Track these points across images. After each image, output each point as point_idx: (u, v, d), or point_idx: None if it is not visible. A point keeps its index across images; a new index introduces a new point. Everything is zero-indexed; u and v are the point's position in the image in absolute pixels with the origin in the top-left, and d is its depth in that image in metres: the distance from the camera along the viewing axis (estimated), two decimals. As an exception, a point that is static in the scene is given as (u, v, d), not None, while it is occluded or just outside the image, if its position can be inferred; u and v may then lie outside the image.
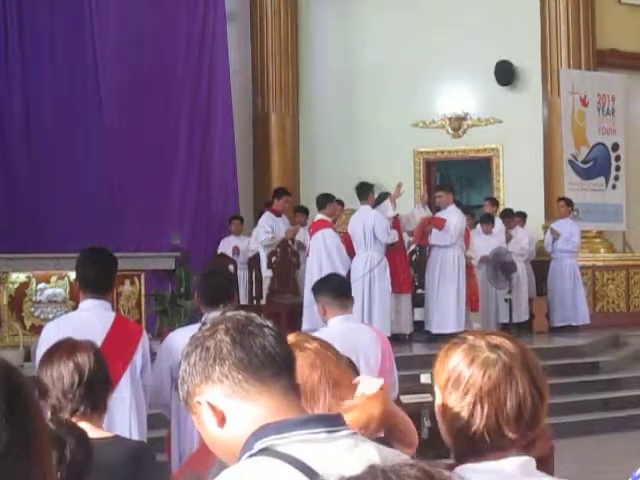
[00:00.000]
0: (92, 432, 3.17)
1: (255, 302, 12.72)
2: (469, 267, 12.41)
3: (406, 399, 6.96)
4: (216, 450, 1.89)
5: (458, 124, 15.75)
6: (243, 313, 1.91)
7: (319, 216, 11.74)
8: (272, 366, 1.83)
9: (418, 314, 12.56)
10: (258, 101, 15.85)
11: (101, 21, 13.60)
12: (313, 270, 11.20)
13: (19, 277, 10.24)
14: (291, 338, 2.35)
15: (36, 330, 9.10)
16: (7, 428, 1.28)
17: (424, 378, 7.71)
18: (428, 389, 7.18)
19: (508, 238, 13.69)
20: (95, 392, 3.19)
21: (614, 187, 15.03)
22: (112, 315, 5.04)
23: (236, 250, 13.42)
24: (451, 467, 1.92)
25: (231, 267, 11.36)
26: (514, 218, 13.98)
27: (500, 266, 13.03)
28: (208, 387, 1.83)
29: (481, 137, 15.59)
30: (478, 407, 1.93)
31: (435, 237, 12.12)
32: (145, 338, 5.06)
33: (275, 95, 15.77)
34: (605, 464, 8.56)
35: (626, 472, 2.32)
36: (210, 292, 5.08)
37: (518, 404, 1.92)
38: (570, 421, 9.52)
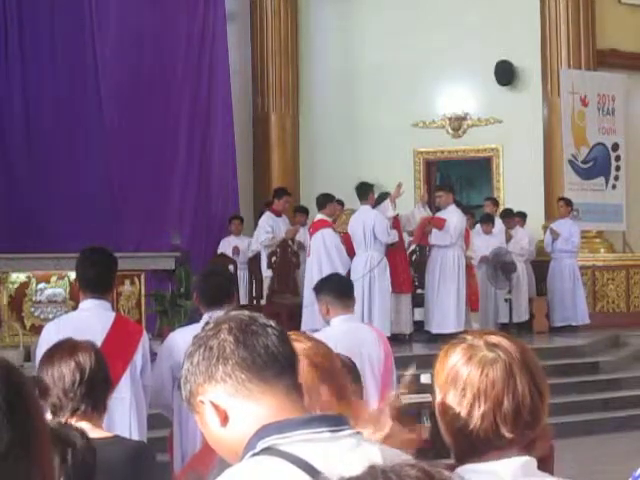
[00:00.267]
0: (92, 432, 3.17)
1: (255, 302, 12.72)
2: (469, 267, 12.40)
3: (406, 399, 6.96)
4: (219, 449, 1.89)
5: (458, 124, 15.75)
6: (246, 313, 1.91)
7: (319, 216, 11.74)
8: (275, 366, 1.83)
9: (418, 314, 12.56)
10: (258, 101, 15.85)
11: (101, 21, 13.59)
12: (313, 270, 11.20)
13: (19, 277, 10.24)
14: None
15: (36, 330, 9.10)
16: (8, 428, 1.28)
17: (424, 378, 7.69)
18: (428, 389, 7.18)
19: (508, 238, 13.69)
20: (95, 391, 3.19)
21: (614, 187, 15.03)
22: (112, 315, 5.04)
23: (236, 250, 13.42)
24: (451, 467, 1.92)
25: (231, 267, 11.36)
26: (514, 218, 13.98)
27: (500, 266, 13.03)
28: (211, 386, 1.83)
29: (481, 137, 15.59)
30: (476, 406, 1.93)
31: (435, 237, 12.12)
32: (145, 338, 5.06)
33: (275, 95, 15.76)
34: (605, 464, 8.56)
35: (626, 472, 2.32)
36: (210, 292, 5.07)
37: (517, 403, 1.92)
38: (570, 421, 9.52)
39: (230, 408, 1.82)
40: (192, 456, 4.66)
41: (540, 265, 14.03)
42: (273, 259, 12.40)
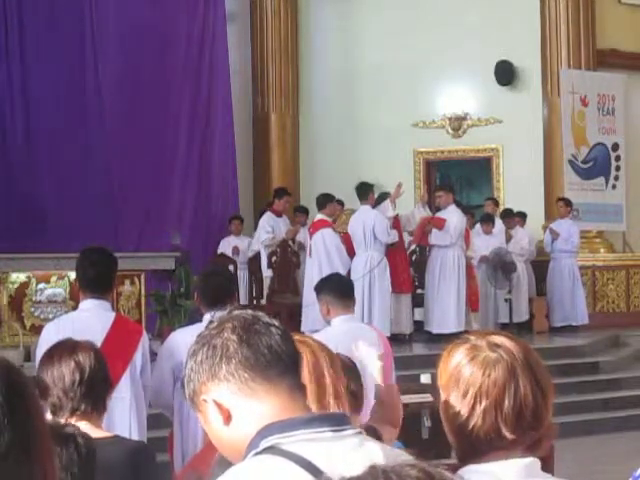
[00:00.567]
0: (92, 432, 3.17)
1: (255, 302, 12.72)
2: (469, 267, 12.40)
3: (406, 399, 6.96)
4: (222, 448, 1.89)
5: (458, 124, 15.75)
6: (250, 312, 1.91)
7: (319, 216, 11.73)
8: (278, 365, 1.83)
9: (418, 314, 12.55)
10: (258, 101, 15.85)
11: (101, 21, 13.59)
12: (313, 270, 11.19)
13: (19, 277, 10.24)
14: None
15: (36, 330, 9.10)
16: (8, 428, 1.28)
17: (424, 378, 7.71)
18: (428, 389, 7.18)
19: (508, 238, 13.69)
20: (95, 391, 3.19)
21: (614, 187, 15.03)
22: (112, 315, 5.04)
23: (236, 250, 13.42)
24: (453, 467, 1.92)
25: (231, 267, 11.36)
26: (514, 218, 13.98)
27: (500, 266, 13.03)
28: (214, 385, 1.83)
29: (481, 137, 15.59)
30: (478, 406, 1.93)
31: (435, 237, 12.12)
32: (145, 338, 5.06)
33: (275, 95, 15.76)
34: (605, 464, 8.56)
35: (626, 472, 2.32)
36: (210, 292, 5.07)
37: (519, 403, 1.92)
38: (570, 421, 9.51)
39: (233, 407, 1.82)
40: (193, 456, 4.66)
41: (540, 265, 14.03)
42: (273, 259, 12.40)
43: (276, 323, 1.89)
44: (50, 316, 9.59)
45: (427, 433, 7.13)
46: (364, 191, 11.74)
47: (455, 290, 11.97)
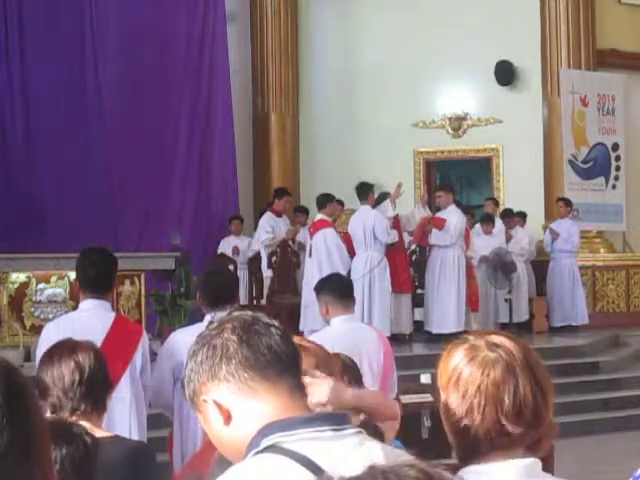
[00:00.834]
0: (92, 431, 3.17)
1: (255, 302, 12.72)
2: (469, 267, 12.40)
3: (406, 399, 6.96)
4: (222, 448, 1.90)
5: (458, 124, 15.75)
6: (250, 312, 1.92)
7: (319, 216, 11.73)
8: (278, 365, 1.84)
9: (418, 314, 12.55)
10: (258, 101, 15.85)
11: (101, 21, 13.59)
12: (313, 270, 11.18)
13: (19, 277, 10.23)
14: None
15: (36, 330, 9.10)
16: (7, 428, 1.28)
17: (424, 378, 7.71)
18: (428, 389, 7.18)
19: (508, 238, 13.69)
20: (95, 391, 3.19)
21: (614, 187, 15.03)
22: (112, 315, 5.04)
23: (236, 250, 13.42)
24: (453, 467, 1.92)
25: (231, 267, 11.36)
26: (514, 218, 13.98)
27: (500, 266, 13.03)
28: (214, 385, 1.84)
29: (481, 137, 15.59)
30: (477, 405, 1.93)
31: (435, 237, 12.12)
32: (145, 338, 5.06)
33: (275, 95, 15.76)
34: (605, 464, 8.56)
35: (626, 472, 2.32)
36: (212, 292, 5.08)
37: (518, 403, 1.92)
38: (570, 421, 9.51)
39: (233, 407, 1.83)
40: (192, 456, 4.66)
41: (540, 265, 14.03)
42: (273, 259, 12.40)
43: (276, 323, 1.90)
44: (50, 316, 9.59)
45: (427, 433, 7.13)
46: (364, 191, 11.74)
47: (455, 290, 11.97)
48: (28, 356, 8.86)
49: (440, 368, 2.02)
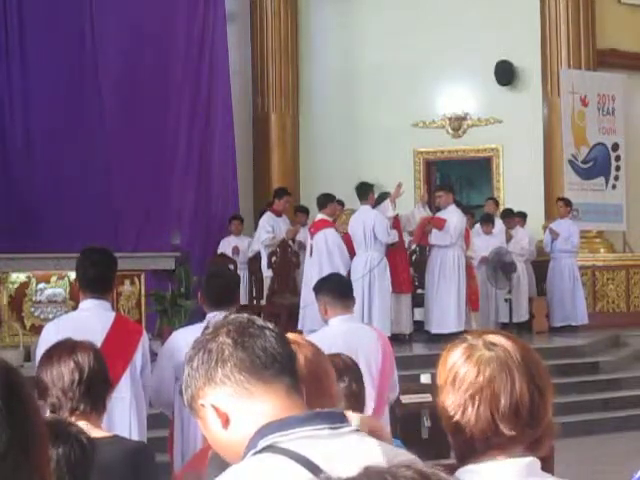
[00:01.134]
0: (91, 431, 3.17)
1: (255, 302, 12.72)
2: (469, 267, 12.40)
3: (406, 399, 6.97)
4: (222, 452, 1.90)
5: (458, 124, 15.75)
6: (245, 315, 1.93)
7: (320, 216, 11.72)
8: (274, 366, 1.84)
9: (418, 314, 12.55)
10: (258, 101, 15.84)
11: (101, 21, 13.59)
12: (313, 270, 11.18)
13: (19, 277, 10.24)
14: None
15: (36, 330, 9.10)
16: (6, 429, 1.28)
17: (424, 378, 7.71)
18: (428, 389, 7.18)
19: (508, 238, 13.69)
20: (94, 391, 3.19)
21: (614, 187, 15.03)
22: (112, 315, 5.04)
23: (236, 250, 13.42)
24: (452, 467, 1.92)
25: (231, 267, 11.36)
26: (514, 218, 13.98)
27: (500, 266, 13.03)
28: (211, 389, 1.85)
29: (481, 137, 15.59)
30: (472, 404, 1.93)
31: (435, 237, 12.12)
32: (145, 338, 5.06)
33: (275, 95, 15.76)
34: (605, 464, 8.56)
35: (626, 472, 2.33)
36: (214, 293, 5.09)
37: (514, 402, 1.92)
38: (570, 421, 9.51)
39: (231, 410, 1.83)
40: (193, 456, 4.66)
41: (540, 265, 14.04)
42: (273, 259, 12.40)
43: (270, 326, 1.90)
44: (50, 316, 9.59)
45: (427, 433, 7.14)
46: (364, 191, 11.74)
47: (455, 290, 11.97)
48: (28, 356, 8.86)
49: (439, 367, 2.03)
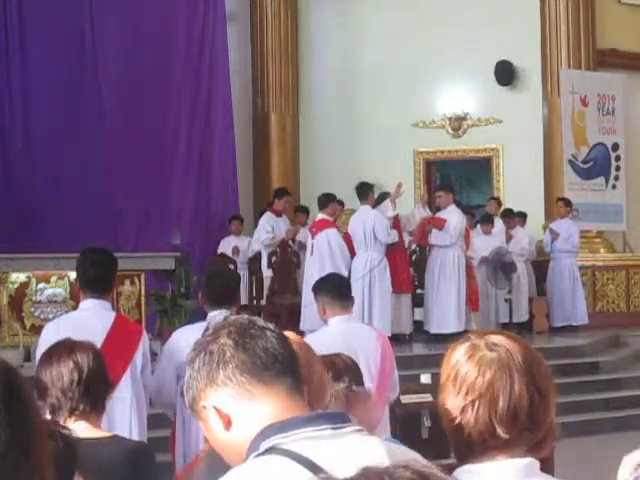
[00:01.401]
0: (91, 431, 3.17)
1: (255, 302, 12.72)
2: (469, 267, 12.40)
3: (406, 399, 6.96)
4: (223, 453, 1.90)
5: (458, 124, 15.75)
6: (245, 316, 1.93)
7: (321, 216, 11.72)
8: (275, 367, 1.84)
9: (418, 314, 12.55)
10: (258, 101, 15.84)
11: (101, 21, 13.59)
12: (314, 269, 11.16)
13: (19, 277, 10.24)
14: None
15: (36, 330, 9.10)
16: (6, 429, 1.28)
17: (424, 378, 7.71)
18: (428, 389, 7.18)
19: (508, 238, 13.68)
20: (94, 391, 3.19)
21: (614, 187, 15.03)
22: (112, 315, 5.04)
23: (236, 250, 13.42)
24: (452, 467, 1.92)
25: (231, 267, 11.35)
26: (514, 218, 13.98)
27: (500, 266, 13.03)
28: (213, 391, 1.84)
29: (481, 137, 15.59)
30: (471, 405, 1.93)
31: (435, 237, 12.12)
32: (145, 338, 5.06)
33: (275, 95, 15.76)
34: (605, 464, 8.54)
35: (626, 472, 2.32)
36: (215, 292, 5.10)
37: (513, 404, 1.91)
38: (570, 421, 9.51)
39: (233, 412, 1.83)
40: (194, 456, 4.66)
41: (540, 265, 14.03)
42: (273, 259, 12.40)
43: (271, 327, 1.90)
44: (50, 316, 9.59)
45: (427, 433, 7.14)
46: (364, 191, 11.74)
47: (455, 290, 11.97)
48: (28, 356, 8.86)
49: (443, 365, 2.03)
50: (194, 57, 14.70)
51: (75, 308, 6.13)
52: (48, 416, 3.14)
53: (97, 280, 4.95)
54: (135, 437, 4.63)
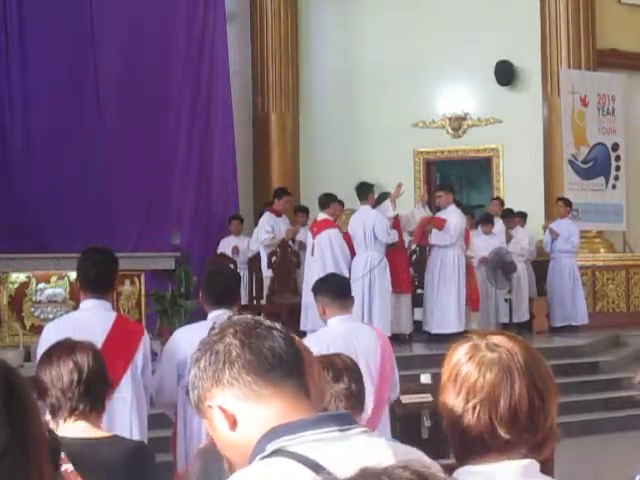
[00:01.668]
0: (91, 431, 3.18)
1: (255, 302, 12.72)
2: (469, 267, 12.40)
3: (406, 399, 6.97)
4: (229, 453, 1.89)
5: (458, 124, 15.75)
6: (250, 316, 1.92)
7: (323, 216, 11.72)
8: (282, 367, 1.83)
9: (418, 314, 12.55)
10: (258, 101, 15.84)
11: (101, 21, 13.59)
12: (316, 269, 11.12)
13: (19, 277, 10.24)
14: None
15: (36, 330, 9.11)
16: (5, 429, 1.28)
17: (424, 378, 7.72)
18: (428, 389, 7.19)
19: (508, 238, 13.68)
20: (94, 391, 3.19)
21: (614, 187, 15.03)
22: (113, 315, 5.04)
23: (236, 250, 13.42)
24: (452, 467, 1.92)
25: (231, 267, 11.36)
26: (514, 218, 13.97)
27: (500, 266, 13.03)
28: (219, 391, 1.84)
29: (481, 137, 15.59)
30: (472, 406, 1.93)
31: (435, 237, 12.12)
32: (146, 338, 5.06)
33: (275, 95, 15.76)
34: (605, 464, 8.56)
35: (626, 472, 2.33)
36: (215, 291, 5.10)
37: (513, 405, 1.91)
38: (570, 421, 9.51)
39: (238, 412, 1.82)
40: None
41: (540, 265, 14.04)
42: (273, 259, 12.40)
43: (278, 326, 1.89)
44: (50, 316, 9.60)
45: (427, 433, 7.14)
46: (364, 191, 11.74)
47: (455, 290, 11.96)
48: (28, 356, 8.86)
49: (444, 364, 2.03)
50: (194, 57, 14.70)
51: (75, 308, 6.14)
52: (48, 416, 3.14)
53: (98, 280, 4.95)
54: (135, 437, 4.63)
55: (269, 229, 12.54)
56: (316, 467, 1.67)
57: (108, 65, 13.59)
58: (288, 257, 12.49)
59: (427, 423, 7.14)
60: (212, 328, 1.93)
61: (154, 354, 5.47)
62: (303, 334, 8.57)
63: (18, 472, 1.29)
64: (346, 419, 1.80)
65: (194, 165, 14.55)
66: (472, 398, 1.93)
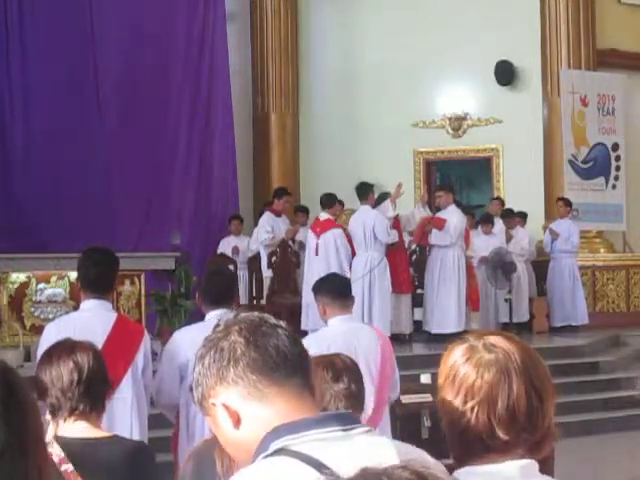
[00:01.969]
0: (91, 431, 3.18)
1: (255, 302, 12.73)
2: (469, 267, 12.40)
3: (406, 399, 6.97)
4: (232, 451, 1.89)
5: (458, 124, 15.76)
6: (256, 314, 1.91)
7: (326, 216, 11.72)
8: (286, 366, 1.83)
9: (418, 314, 12.55)
10: (258, 101, 15.85)
11: (101, 21, 13.60)
12: (320, 268, 11.07)
13: (19, 277, 10.24)
14: None
15: (36, 330, 9.11)
16: (4, 428, 1.28)
17: (424, 378, 7.72)
18: (428, 389, 7.19)
19: (508, 238, 13.68)
20: (94, 391, 3.19)
21: (614, 187, 15.04)
22: (113, 315, 5.04)
23: (236, 250, 13.42)
24: (452, 467, 1.92)
25: (231, 267, 11.36)
26: (514, 218, 13.97)
27: (500, 266, 13.03)
28: (223, 388, 1.83)
29: (481, 137, 15.59)
30: (470, 407, 1.93)
31: (435, 237, 12.12)
32: (147, 338, 5.06)
33: (275, 95, 15.76)
34: (605, 464, 8.56)
35: (626, 472, 2.33)
36: (212, 292, 5.10)
37: (511, 406, 1.91)
38: (570, 421, 9.51)
39: (242, 410, 1.82)
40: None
41: (540, 265, 14.04)
42: (273, 259, 12.40)
43: (283, 325, 1.89)
44: (50, 316, 9.60)
45: (427, 433, 7.14)
46: (364, 191, 11.74)
47: (455, 290, 11.96)
48: (28, 356, 8.86)
49: (441, 365, 2.03)
50: (194, 57, 14.71)
51: (75, 308, 6.14)
52: (48, 416, 3.14)
53: (98, 280, 4.95)
54: (136, 437, 4.63)
55: (269, 229, 12.54)
56: (319, 466, 1.67)
57: (108, 65, 13.60)
58: (288, 257, 12.49)
59: (427, 423, 7.14)
60: (217, 325, 1.92)
61: (154, 354, 5.47)
62: (304, 334, 8.57)
63: (17, 472, 1.29)
64: (349, 419, 1.80)
65: (194, 165, 14.55)
66: (470, 399, 1.93)
